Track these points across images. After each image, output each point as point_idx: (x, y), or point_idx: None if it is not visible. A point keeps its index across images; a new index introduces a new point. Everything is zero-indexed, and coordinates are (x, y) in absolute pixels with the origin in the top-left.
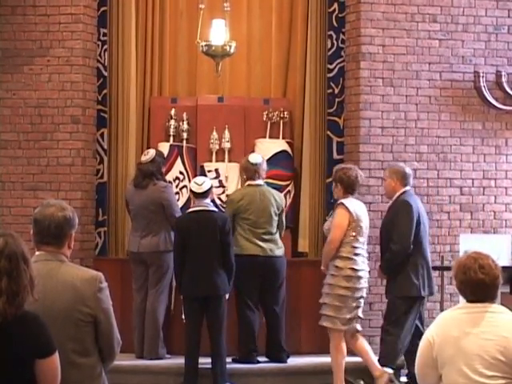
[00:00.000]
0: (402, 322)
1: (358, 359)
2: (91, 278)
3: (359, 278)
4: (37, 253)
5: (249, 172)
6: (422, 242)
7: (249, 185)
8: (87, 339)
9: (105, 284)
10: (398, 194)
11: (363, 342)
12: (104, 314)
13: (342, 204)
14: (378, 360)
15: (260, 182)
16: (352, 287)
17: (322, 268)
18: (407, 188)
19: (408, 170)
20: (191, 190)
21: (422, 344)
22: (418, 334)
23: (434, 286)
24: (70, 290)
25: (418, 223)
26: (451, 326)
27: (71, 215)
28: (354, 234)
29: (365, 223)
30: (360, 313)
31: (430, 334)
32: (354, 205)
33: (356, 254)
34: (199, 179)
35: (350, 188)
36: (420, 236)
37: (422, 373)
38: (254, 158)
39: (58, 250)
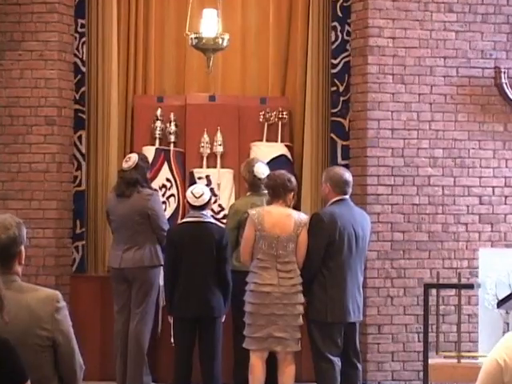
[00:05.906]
0: (315, 348)
1: None
2: (47, 298)
3: (266, 293)
4: None
5: (254, 186)
6: (340, 261)
7: (253, 194)
8: (46, 366)
9: (63, 303)
10: (330, 202)
11: (286, 374)
12: (63, 337)
13: (248, 214)
14: None
15: (265, 191)
16: (258, 303)
17: None
18: (343, 196)
19: (347, 177)
20: (187, 201)
21: (490, 365)
22: (348, 364)
23: (350, 313)
24: (24, 313)
25: (333, 240)
26: None
27: (16, 232)
28: (259, 245)
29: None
30: (278, 332)
31: (499, 355)
32: (266, 212)
33: (262, 268)
34: (197, 191)
35: (273, 194)
36: (337, 254)
37: None
38: (259, 171)
39: (8, 270)
